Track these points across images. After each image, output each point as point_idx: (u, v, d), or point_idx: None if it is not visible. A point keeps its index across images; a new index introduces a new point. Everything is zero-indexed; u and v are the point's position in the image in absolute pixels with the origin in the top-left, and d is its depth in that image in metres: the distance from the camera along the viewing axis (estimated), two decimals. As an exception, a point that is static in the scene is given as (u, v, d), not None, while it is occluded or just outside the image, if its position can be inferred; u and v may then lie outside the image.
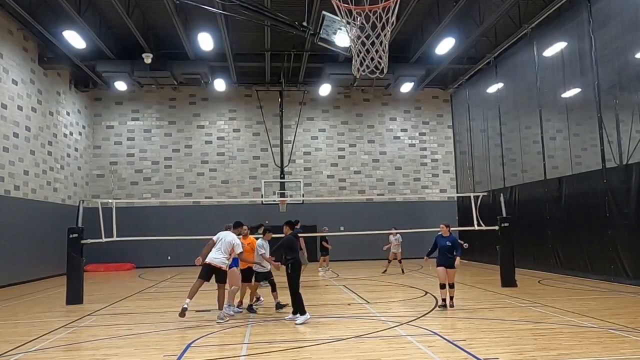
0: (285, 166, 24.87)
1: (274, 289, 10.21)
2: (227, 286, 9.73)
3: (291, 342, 7.05)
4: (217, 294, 9.22)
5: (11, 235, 16.49)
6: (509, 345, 6.67)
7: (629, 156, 12.73)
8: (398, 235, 17.43)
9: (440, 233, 10.20)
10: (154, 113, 24.92)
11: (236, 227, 9.66)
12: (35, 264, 17.95)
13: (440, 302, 9.95)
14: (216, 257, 9.14)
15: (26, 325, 9.29)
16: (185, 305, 8.84)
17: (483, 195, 15.18)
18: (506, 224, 13.36)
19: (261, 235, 10.32)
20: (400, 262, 17.56)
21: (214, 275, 9.21)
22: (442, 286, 9.92)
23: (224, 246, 9.20)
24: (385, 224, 19.57)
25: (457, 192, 24.94)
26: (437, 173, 26.08)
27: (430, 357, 6.21)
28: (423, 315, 9.12)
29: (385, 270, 17.60)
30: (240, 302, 10.43)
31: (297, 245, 9.14)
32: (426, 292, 12.31)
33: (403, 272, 17.38)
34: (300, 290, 8.78)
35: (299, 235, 14.66)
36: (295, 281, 8.69)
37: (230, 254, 9.21)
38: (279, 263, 9.55)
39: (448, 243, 9.94)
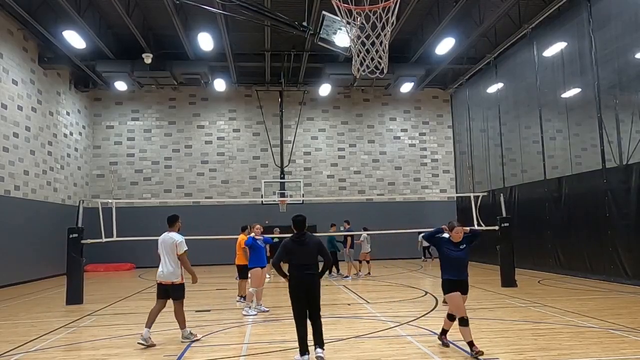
0: (285, 166, 24.88)
1: None
2: (249, 287, 9.99)
3: (291, 342, 7.04)
4: (174, 312, 7.46)
5: (11, 235, 16.49)
6: (509, 345, 6.67)
7: (629, 156, 12.73)
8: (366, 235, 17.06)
9: (445, 237, 6.66)
10: (154, 113, 24.93)
11: (172, 222, 7.88)
12: (35, 264, 17.94)
13: (443, 339, 6.78)
14: (162, 270, 7.41)
15: (26, 325, 9.29)
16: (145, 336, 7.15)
17: (483, 195, 15.18)
18: (506, 224, 13.37)
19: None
20: (368, 262, 17.33)
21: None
22: (452, 317, 6.60)
23: (166, 252, 7.47)
24: (385, 224, 19.55)
25: (457, 192, 24.94)
26: (437, 173, 26.08)
27: (430, 357, 6.21)
28: (423, 315, 9.12)
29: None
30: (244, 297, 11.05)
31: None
32: (426, 292, 12.31)
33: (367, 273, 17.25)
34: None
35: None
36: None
37: (178, 258, 7.44)
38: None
39: (462, 248, 6.51)
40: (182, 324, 7.46)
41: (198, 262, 22.10)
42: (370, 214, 23.42)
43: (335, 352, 6.57)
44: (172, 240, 7.46)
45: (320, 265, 6.23)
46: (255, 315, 9.56)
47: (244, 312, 9.66)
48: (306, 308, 6.02)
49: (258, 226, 10.26)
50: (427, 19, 18.65)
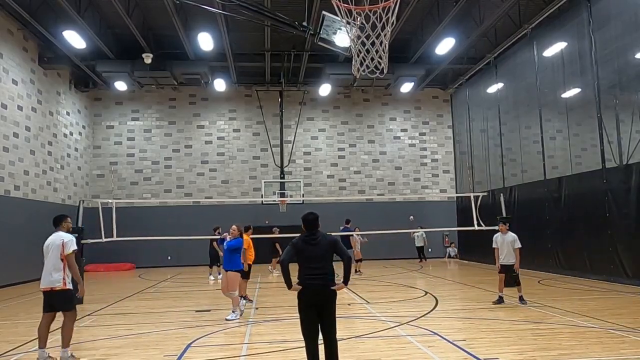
0: (285, 166, 24.88)
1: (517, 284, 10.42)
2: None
3: (291, 342, 7.05)
4: (62, 325, 6.51)
5: (11, 235, 16.49)
6: (509, 345, 6.67)
7: (629, 156, 12.73)
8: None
9: None
10: (154, 113, 24.92)
11: (59, 222, 6.89)
12: (35, 264, 17.77)
13: None
14: (44, 276, 6.46)
15: (26, 325, 9.29)
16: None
17: (483, 196, 15.18)
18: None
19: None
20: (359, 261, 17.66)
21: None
22: None
23: (52, 256, 6.48)
24: (385, 224, 19.56)
25: (457, 192, 24.93)
26: (437, 173, 26.08)
27: (430, 357, 6.21)
28: (423, 315, 9.12)
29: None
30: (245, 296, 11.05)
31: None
32: (426, 292, 12.31)
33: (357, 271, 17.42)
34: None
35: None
36: None
37: (63, 262, 6.43)
38: None
39: None
40: (65, 341, 6.39)
41: (199, 262, 22.24)
42: (370, 214, 23.45)
43: (335, 352, 6.57)
44: (60, 239, 6.52)
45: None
46: (237, 318, 9.20)
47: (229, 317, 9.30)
48: (318, 321, 5.08)
49: (234, 227, 9.77)
50: (427, 19, 18.65)
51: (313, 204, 23.24)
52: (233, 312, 9.35)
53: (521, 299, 10.24)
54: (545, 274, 15.72)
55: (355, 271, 17.29)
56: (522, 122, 18.83)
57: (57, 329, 8.19)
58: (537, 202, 17.17)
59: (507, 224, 10.87)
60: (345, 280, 5.23)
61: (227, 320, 9.10)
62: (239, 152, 25.11)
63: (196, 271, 20.18)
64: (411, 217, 22.44)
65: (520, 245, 10.48)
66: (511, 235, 10.54)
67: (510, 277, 10.42)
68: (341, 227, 17.24)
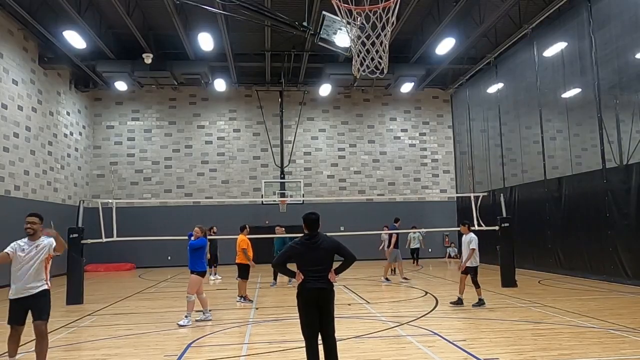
0: (286, 166, 24.88)
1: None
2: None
3: (291, 342, 7.05)
4: None
5: (11, 235, 16.40)
6: (509, 345, 6.67)
7: (629, 156, 12.73)
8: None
9: None
10: (154, 113, 24.92)
11: None
12: (35, 264, 17.89)
13: None
14: None
15: (26, 325, 9.26)
16: None
17: (483, 196, 15.18)
18: (506, 224, 13.36)
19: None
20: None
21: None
22: None
23: None
24: (386, 224, 19.50)
25: (457, 192, 24.93)
26: (437, 173, 26.07)
27: (430, 357, 6.21)
28: (423, 315, 9.12)
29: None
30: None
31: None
32: (426, 292, 12.31)
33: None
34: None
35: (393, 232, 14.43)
36: None
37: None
38: None
39: None
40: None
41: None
42: (370, 214, 23.42)
43: (335, 352, 6.56)
44: None
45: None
46: (189, 324, 8.62)
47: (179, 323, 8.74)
48: (317, 321, 5.13)
49: (197, 229, 9.28)
50: (427, 19, 18.65)
51: (313, 204, 23.22)
52: (186, 317, 8.77)
53: (480, 301, 9.95)
54: (545, 274, 15.73)
55: (404, 279, 15.30)
56: (522, 122, 18.84)
57: (53, 330, 8.18)
58: (537, 202, 17.17)
59: (467, 225, 10.41)
60: (338, 271, 5.29)
61: (179, 325, 8.59)
62: (239, 152, 25.10)
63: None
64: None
65: (474, 247, 9.98)
66: (469, 237, 10.18)
67: (471, 278, 10.04)
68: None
